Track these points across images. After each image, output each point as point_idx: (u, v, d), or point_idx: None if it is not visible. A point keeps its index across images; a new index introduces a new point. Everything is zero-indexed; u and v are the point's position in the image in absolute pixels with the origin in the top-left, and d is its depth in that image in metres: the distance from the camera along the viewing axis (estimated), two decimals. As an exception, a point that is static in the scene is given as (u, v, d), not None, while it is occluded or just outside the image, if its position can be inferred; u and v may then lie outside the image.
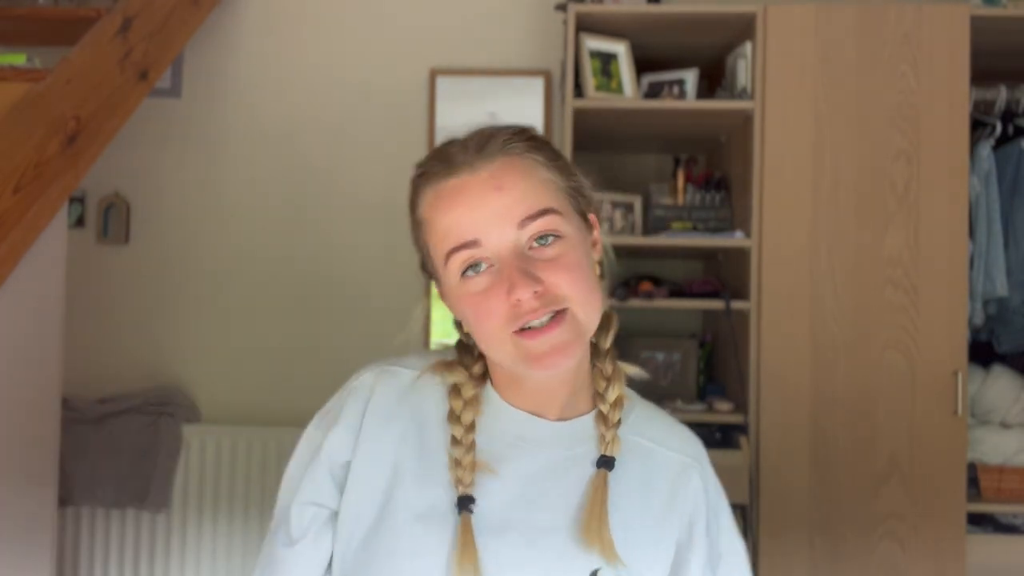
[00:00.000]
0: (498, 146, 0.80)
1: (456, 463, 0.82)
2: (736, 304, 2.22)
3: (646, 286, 2.30)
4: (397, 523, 0.81)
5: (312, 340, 2.81)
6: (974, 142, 2.29)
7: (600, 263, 0.86)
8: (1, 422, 1.86)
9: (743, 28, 2.30)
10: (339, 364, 3.10)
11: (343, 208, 2.82)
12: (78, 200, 2.85)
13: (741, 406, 2.22)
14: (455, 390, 0.86)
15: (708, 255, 2.63)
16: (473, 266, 0.78)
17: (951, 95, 2.16)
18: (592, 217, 0.86)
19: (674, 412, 2.25)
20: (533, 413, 0.86)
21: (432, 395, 0.87)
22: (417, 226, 0.85)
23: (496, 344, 0.80)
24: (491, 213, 0.78)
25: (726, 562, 0.90)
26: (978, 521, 2.25)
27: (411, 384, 0.87)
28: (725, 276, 2.46)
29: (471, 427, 0.84)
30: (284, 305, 2.83)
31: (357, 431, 0.85)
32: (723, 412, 2.25)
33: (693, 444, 0.92)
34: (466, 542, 0.79)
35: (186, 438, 2.70)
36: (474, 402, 0.85)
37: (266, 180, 2.86)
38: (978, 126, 2.35)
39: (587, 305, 0.79)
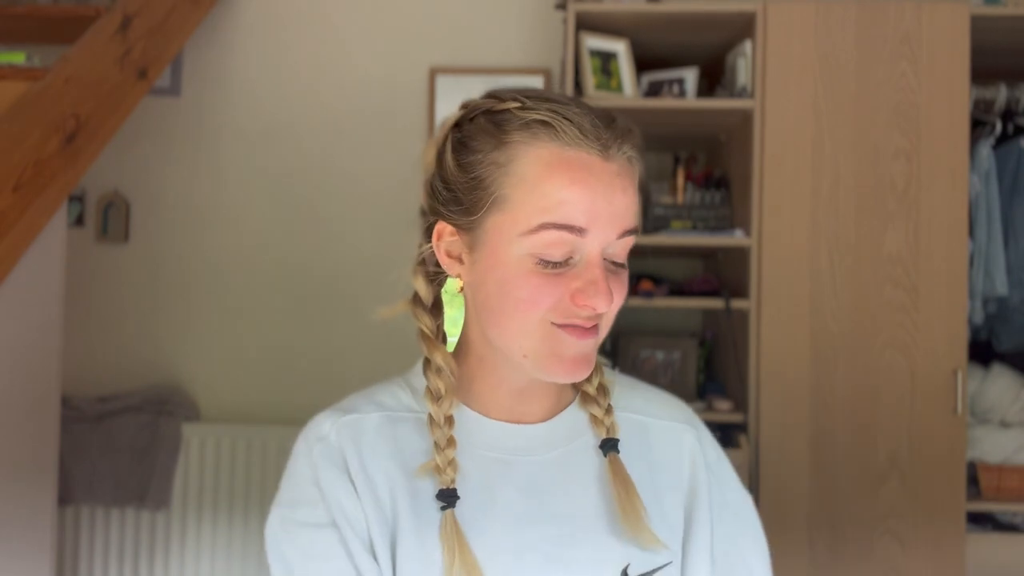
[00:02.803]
0: (629, 144, 0.76)
1: (438, 447, 0.76)
2: (736, 303, 2.21)
3: (646, 285, 2.30)
4: None
5: (312, 338, 2.81)
6: (974, 141, 2.29)
7: None
8: (1, 421, 1.86)
9: (743, 26, 2.29)
10: (338, 363, 3.11)
11: (343, 207, 2.82)
12: (77, 199, 2.85)
13: (741, 405, 2.21)
14: (434, 370, 0.79)
15: (708, 254, 2.62)
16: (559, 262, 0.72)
17: (951, 94, 2.16)
18: None
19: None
20: (512, 421, 0.80)
21: (411, 431, 0.79)
22: (497, 165, 0.73)
23: (524, 332, 0.73)
24: (611, 211, 0.72)
25: (732, 511, 0.85)
26: (978, 520, 2.25)
27: (378, 425, 0.80)
28: (725, 275, 2.46)
29: (450, 420, 0.78)
30: (284, 303, 2.83)
31: (352, 489, 0.76)
32: (723, 411, 2.25)
33: (682, 408, 0.89)
34: (459, 541, 0.73)
35: (186, 437, 2.70)
36: (450, 393, 0.78)
37: (266, 179, 2.86)
38: (978, 125, 2.35)
39: (607, 330, 0.77)
